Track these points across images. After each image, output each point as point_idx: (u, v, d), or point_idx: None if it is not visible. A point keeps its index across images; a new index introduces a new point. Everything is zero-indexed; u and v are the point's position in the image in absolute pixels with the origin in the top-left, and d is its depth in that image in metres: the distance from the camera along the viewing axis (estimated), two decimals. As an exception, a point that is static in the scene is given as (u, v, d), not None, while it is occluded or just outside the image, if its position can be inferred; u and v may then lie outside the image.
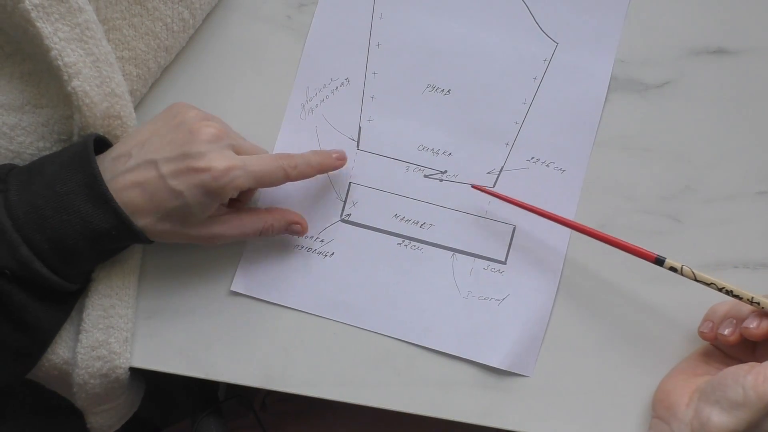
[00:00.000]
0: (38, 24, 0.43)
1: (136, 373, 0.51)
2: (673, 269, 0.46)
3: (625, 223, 0.52)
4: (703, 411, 0.45)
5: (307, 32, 0.53)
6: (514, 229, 0.52)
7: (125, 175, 0.44)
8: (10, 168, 0.45)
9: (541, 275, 0.51)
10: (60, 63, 0.44)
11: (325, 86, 0.53)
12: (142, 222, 0.45)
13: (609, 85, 0.52)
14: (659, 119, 0.52)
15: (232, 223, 0.48)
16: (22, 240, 0.42)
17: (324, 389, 0.51)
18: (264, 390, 0.62)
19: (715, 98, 0.52)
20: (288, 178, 0.48)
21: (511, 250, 0.52)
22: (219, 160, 0.44)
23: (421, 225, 0.52)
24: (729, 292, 0.46)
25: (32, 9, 0.43)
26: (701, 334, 0.48)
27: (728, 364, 0.47)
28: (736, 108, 0.52)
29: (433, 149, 0.52)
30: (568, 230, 0.51)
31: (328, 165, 0.50)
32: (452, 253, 0.52)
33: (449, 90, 0.53)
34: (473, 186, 0.51)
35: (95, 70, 0.46)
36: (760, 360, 0.46)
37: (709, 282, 0.46)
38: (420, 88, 0.53)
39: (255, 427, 0.60)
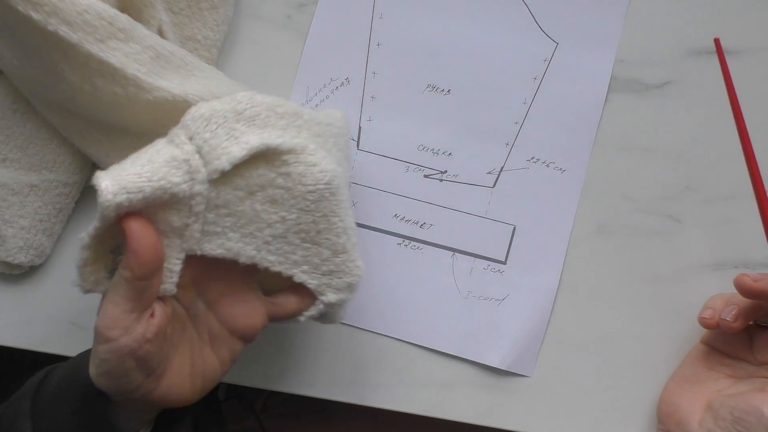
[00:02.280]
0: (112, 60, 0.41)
1: None
2: None
3: (625, 223, 0.52)
4: None
5: (307, 32, 0.53)
6: (514, 229, 0.52)
7: None
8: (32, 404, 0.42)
9: (541, 275, 0.51)
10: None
11: (325, 86, 0.53)
12: None
13: (609, 85, 0.52)
14: (659, 119, 0.52)
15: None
16: None
17: (324, 389, 0.51)
18: (265, 393, 0.62)
19: (715, 98, 0.52)
20: None
21: (511, 250, 0.52)
22: None
23: (421, 225, 0.52)
24: None
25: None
26: (702, 320, 0.47)
27: (729, 367, 0.47)
28: (736, 108, 0.52)
29: (433, 149, 0.52)
30: (568, 229, 0.51)
31: None
32: (452, 253, 0.52)
33: (449, 90, 0.53)
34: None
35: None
36: (758, 358, 0.46)
37: None
38: (420, 88, 0.53)
39: (256, 430, 0.60)
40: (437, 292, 0.51)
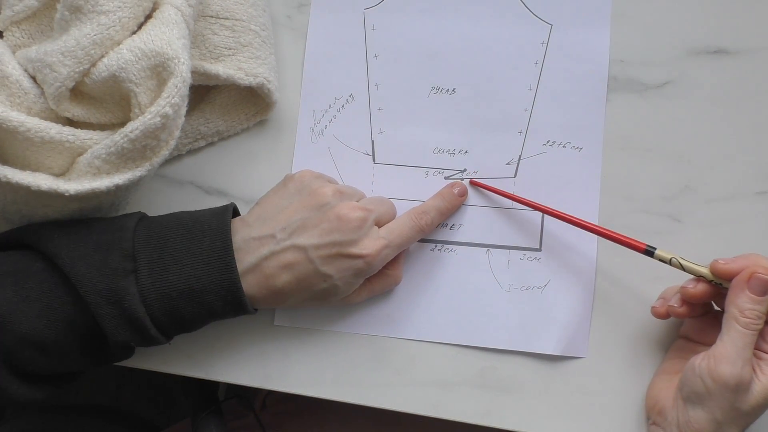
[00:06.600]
0: None
1: None
2: (662, 260, 0.46)
3: (625, 223, 0.51)
4: (681, 409, 0.45)
5: (306, 32, 0.53)
6: (543, 214, 0.52)
7: (273, 258, 0.45)
8: (134, 233, 0.44)
9: (577, 255, 0.51)
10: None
11: (330, 106, 0.53)
12: (288, 302, 0.46)
13: (609, 85, 0.52)
14: (659, 119, 0.52)
15: (363, 291, 0.49)
16: (152, 324, 0.43)
17: (323, 389, 0.51)
18: (265, 390, 0.62)
19: (715, 98, 0.52)
20: (423, 235, 0.49)
21: (543, 236, 0.52)
22: (370, 245, 0.46)
23: (450, 227, 0.52)
24: (719, 284, 0.45)
25: None
26: (653, 309, 0.48)
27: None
28: (736, 108, 0.52)
29: (449, 150, 0.52)
30: (596, 205, 0.51)
31: (456, 206, 0.51)
32: (486, 249, 0.52)
33: (454, 89, 0.53)
34: (471, 181, 0.52)
35: None
36: None
37: (699, 273, 0.46)
38: (425, 92, 0.53)
39: (255, 427, 0.60)
40: (479, 291, 0.51)
